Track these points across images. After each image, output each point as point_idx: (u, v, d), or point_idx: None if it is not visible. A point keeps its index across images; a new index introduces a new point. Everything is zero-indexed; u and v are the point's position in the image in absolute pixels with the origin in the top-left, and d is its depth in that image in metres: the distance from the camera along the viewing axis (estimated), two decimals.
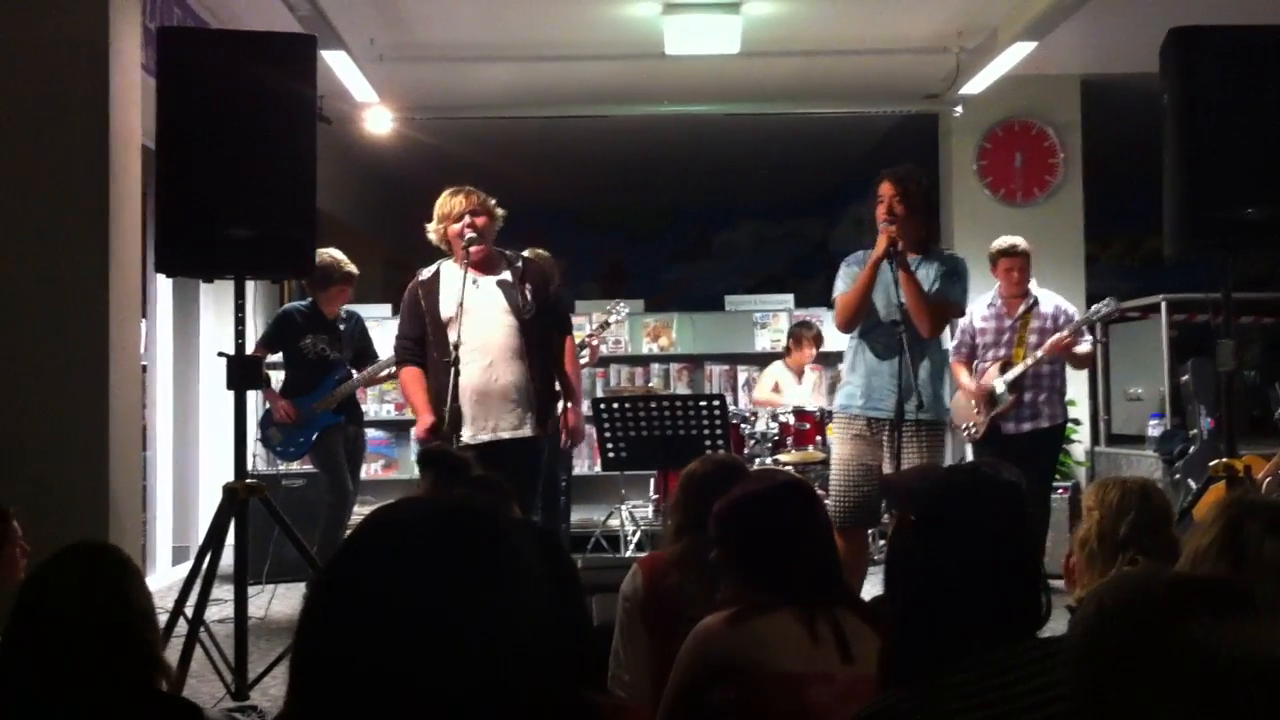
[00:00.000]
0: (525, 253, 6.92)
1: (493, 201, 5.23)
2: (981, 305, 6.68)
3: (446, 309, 5.09)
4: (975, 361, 6.65)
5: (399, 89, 8.80)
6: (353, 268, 6.94)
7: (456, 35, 8.11)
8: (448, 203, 5.14)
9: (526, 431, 5.09)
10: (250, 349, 6.75)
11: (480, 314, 5.05)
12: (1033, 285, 6.63)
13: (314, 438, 6.85)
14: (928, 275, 5.10)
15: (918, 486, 2.04)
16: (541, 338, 5.21)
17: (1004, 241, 6.65)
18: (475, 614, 1.22)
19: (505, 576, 1.26)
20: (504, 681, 1.21)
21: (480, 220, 5.12)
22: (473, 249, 5.04)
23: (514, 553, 1.28)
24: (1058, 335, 6.35)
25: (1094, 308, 6.55)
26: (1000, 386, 6.37)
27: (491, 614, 1.23)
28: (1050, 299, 6.64)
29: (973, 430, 6.52)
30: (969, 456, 7.33)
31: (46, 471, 4.82)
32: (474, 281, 5.05)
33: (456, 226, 5.08)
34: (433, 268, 5.26)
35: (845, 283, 5.19)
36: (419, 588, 1.22)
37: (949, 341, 5.76)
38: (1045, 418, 6.44)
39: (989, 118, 9.36)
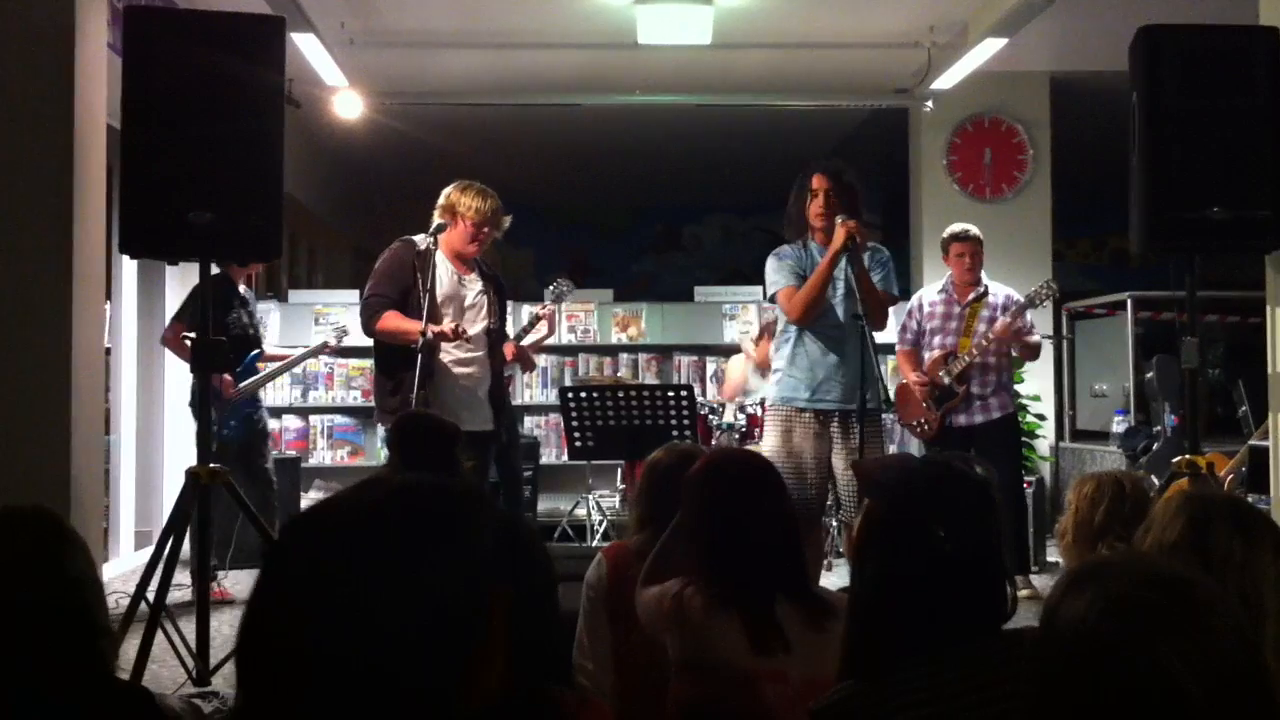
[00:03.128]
0: None
1: None
2: (932, 291, 6.72)
3: (440, 293, 5.28)
4: (923, 349, 6.65)
5: (368, 74, 8.75)
6: None
7: (427, 21, 8.07)
8: (483, 202, 5.33)
9: (488, 426, 5.37)
10: (166, 327, 6.68)
11: (468, 313, 5.34)
12: (984, 276, 6.68)
13: (240, 422, 6.73)
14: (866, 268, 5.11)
15: (885, 477, 2.03)
16: (500, 340, 5.54)
17: (957, 227, 6.70)
18: (432, 605, 1.20)
19: (463, 566, 1.24)
20: (463, 675, 1.20)
21: (495, 234, 5.46)
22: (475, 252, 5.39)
23: (474, 542, 1.27)
24: (1003, 320, 6.38)
25: (1032, 291, 6.53)
26: (947, 378, 6.39)
27: (449, 606, 1.21)
28: (999, 289, 6.68)
29: (925, 427, 6.50)
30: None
31: (7, 455, 4.77)
32: (460, 280, 5.35)
33: (482, 229, 5.33)
34: (424, 242, 5.30)
35: (783, 276, 5.13)
36: (374, 578, 1.19)
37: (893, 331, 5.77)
38: (996, 408, 6.48)
39: (959, 113, 9.40)
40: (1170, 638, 1.27)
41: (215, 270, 6.75)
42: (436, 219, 5.34)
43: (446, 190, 5.39)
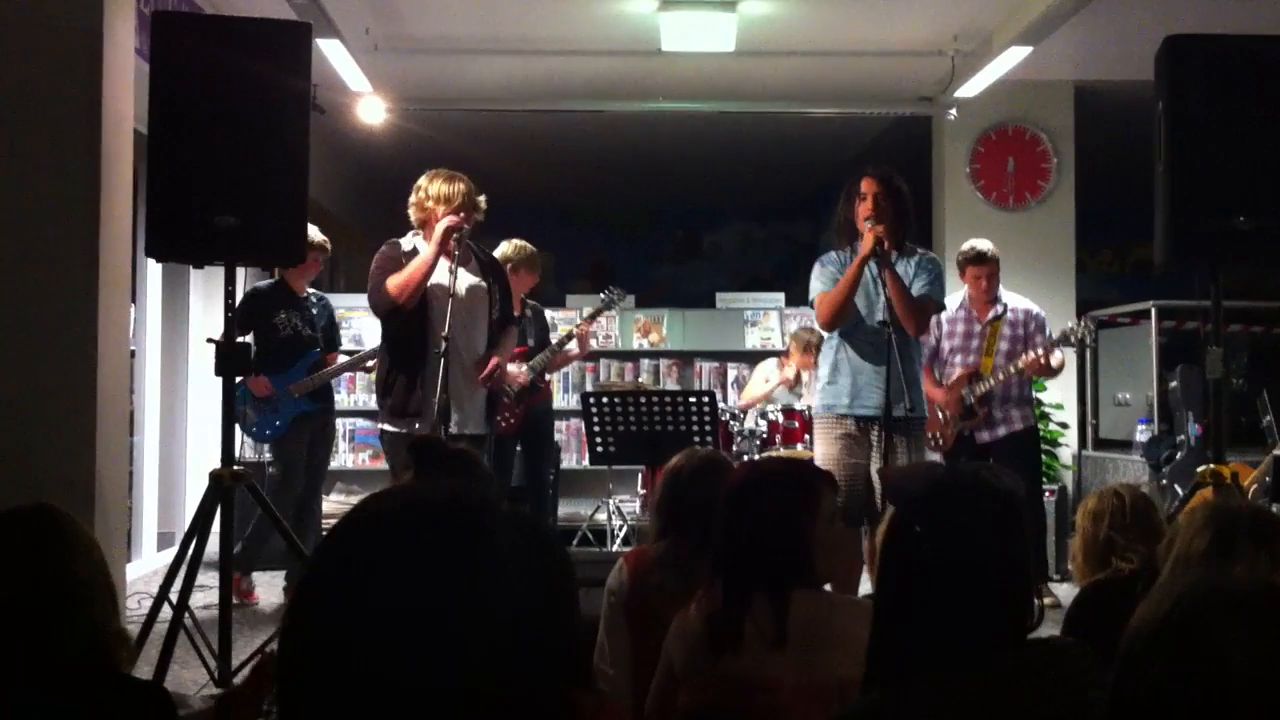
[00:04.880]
0: (505, 244, 6.93)
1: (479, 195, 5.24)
2: (949, 309, 6.65)
3: (431, 292, 5.04)
4: (941, 365, 6.63)
5: (392, 80, 8.79)
6: (323, 239, 6.70)
7: (451, 27, 8.09)
8: (448, 187, 5.10)
9: (480, 430, 5.14)
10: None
11: (463, 309, 5.00)
12: (1001, 290, 6.64)
13: (288, 422, 6.68)
14: (906, 273, 5.11)
15: (911, 485, 2.03)
16: (500, 333, 5.27)
17: (972, 249, 6.62)
18: (453, 609, 1.21)
19: (484, 571, 1.25)
20: (482, 678, 1.21)
21: (474, 216, 5.15)
22: (460, 244, 5.03)
23: (495, 547, 1.27)
24: (1031, 356, 6.31)
25: (1067, 328, 6.50)
26: (970, 398, 6.38)
27: (470, 609, 1.22)
28: (1019, 303, 6.64)
29: (939, 441, 6.49)
30: None
31: (32, 455, 4.80)
32: (453, 274, 4.97)
33: (453, 217, 5.04)
34: (410, 242, 5.18)
35: (823, 282, 5.17)
36: (396, 583, 1.20)
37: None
38: (1018, 420, 6.49)
39: (982, 122, 9.38)
40: (1238, 630, 1.28)
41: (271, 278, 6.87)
42: (413, 216, 5.17)
43: (417, 184, 5.19)
